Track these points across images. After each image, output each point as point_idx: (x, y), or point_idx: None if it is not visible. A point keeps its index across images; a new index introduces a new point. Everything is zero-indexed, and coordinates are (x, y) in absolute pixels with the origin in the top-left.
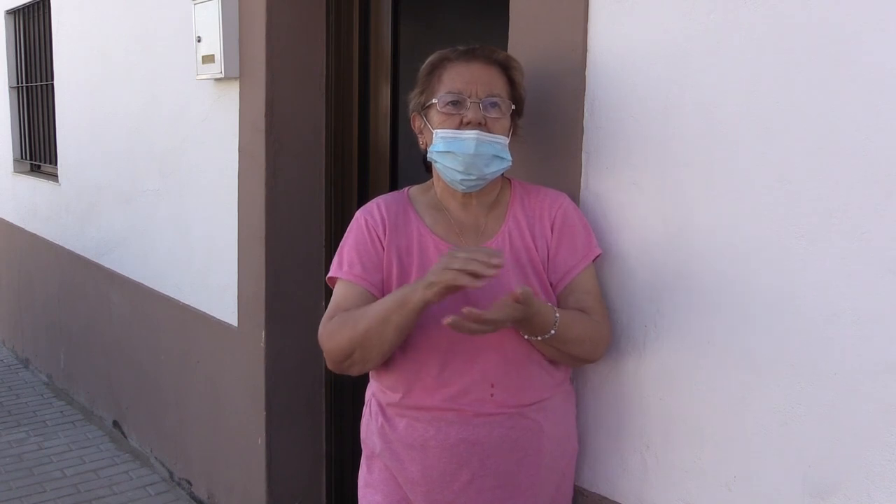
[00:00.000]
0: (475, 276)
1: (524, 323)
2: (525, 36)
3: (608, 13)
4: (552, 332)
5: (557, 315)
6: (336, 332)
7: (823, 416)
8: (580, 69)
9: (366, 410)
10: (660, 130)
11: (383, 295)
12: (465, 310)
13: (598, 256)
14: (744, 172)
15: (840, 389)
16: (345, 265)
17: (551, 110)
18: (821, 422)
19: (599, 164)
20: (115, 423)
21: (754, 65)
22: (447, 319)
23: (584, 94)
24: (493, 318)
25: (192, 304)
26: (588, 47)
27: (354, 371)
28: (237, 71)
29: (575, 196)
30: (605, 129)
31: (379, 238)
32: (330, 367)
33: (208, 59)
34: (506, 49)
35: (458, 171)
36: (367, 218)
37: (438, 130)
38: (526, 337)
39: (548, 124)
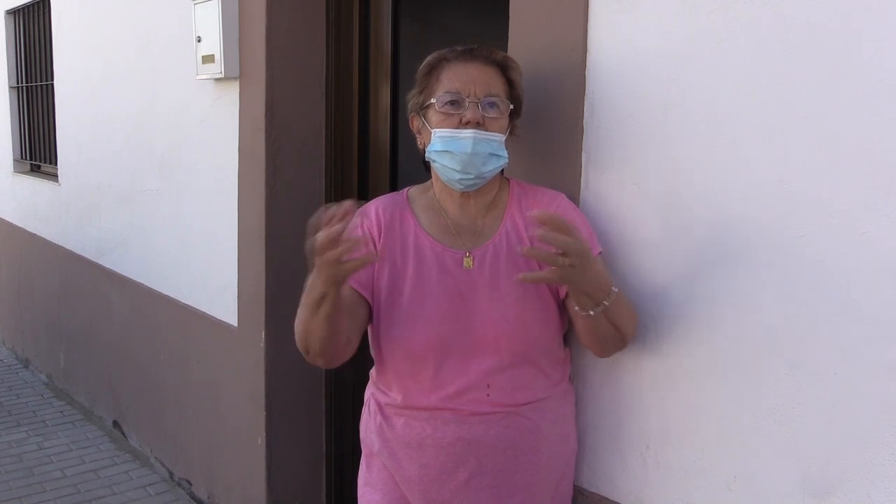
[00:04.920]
0: (338, 244)
1: (585, 279)
2: (525, 36)
3: (608, 13)
4: (614, 289)
5: (615, 288)
6: (296, 326)
7: (823, 416)
8: (580, 69)
9: (365, 410)
10: (660, 130)
11: (371, 294)
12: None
13: (596, 256)
14: (744, 172)
15: (840, 389)
16: None
17: (551, 110)
18: (821, 422)
19: (599, 164)
20: (115, 423)
21: (755, 65)
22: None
23: (584, 94)
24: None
25: (192, 304)
26: (588, 47)
27: (321, 363)
28: (237, 71)
29: (575, 196)
30: (605, 129)
31: (372, 239)
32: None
33: (208, 59)
34: (506, 49)
35: (456, 171)
36: (363, 219)
37: (436, 130)
38: (583, 313)
39: (548, 124)
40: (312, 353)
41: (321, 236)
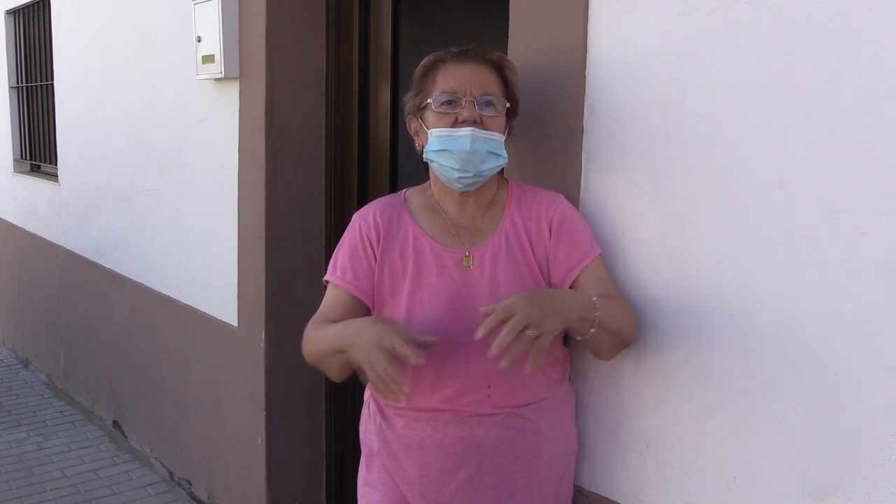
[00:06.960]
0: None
1: (560, 317)
2: (525, 36)
3: (608, 13)
4: (596, 314)
5: (595, 299)
6: (309, 342)
7: (823, 416)
8: (580, 69)
9: (364, 410)
10: (660, 131)
11: (373, 302)
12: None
13: (597, 256)
14: (744, 172)
15: (840, 389)
16: (338, 270)
17: (551, 110)
18: (821, 422)
19: (599, 165)
20: (115, 423)
21: (755, 65)
22: (503, 365)
23: (584, 94)
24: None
25: (192, 304)
26: (588, 47)
27: (328, 376)
28: (237, 71)
29: (574, 196)
30: (605, 129)
31: (372, 246)
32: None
33: (208, 59)
34: (506, 49)
35: (455, 169)
36: (362, 224)
37: (433, 130)
38: (584, 337)
39: (548, 125)
40: (324, 370)
41: (400, 350)
